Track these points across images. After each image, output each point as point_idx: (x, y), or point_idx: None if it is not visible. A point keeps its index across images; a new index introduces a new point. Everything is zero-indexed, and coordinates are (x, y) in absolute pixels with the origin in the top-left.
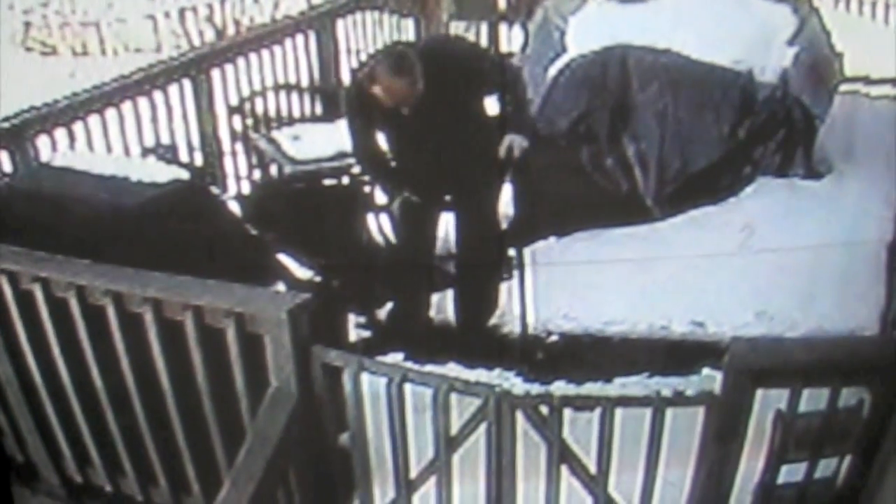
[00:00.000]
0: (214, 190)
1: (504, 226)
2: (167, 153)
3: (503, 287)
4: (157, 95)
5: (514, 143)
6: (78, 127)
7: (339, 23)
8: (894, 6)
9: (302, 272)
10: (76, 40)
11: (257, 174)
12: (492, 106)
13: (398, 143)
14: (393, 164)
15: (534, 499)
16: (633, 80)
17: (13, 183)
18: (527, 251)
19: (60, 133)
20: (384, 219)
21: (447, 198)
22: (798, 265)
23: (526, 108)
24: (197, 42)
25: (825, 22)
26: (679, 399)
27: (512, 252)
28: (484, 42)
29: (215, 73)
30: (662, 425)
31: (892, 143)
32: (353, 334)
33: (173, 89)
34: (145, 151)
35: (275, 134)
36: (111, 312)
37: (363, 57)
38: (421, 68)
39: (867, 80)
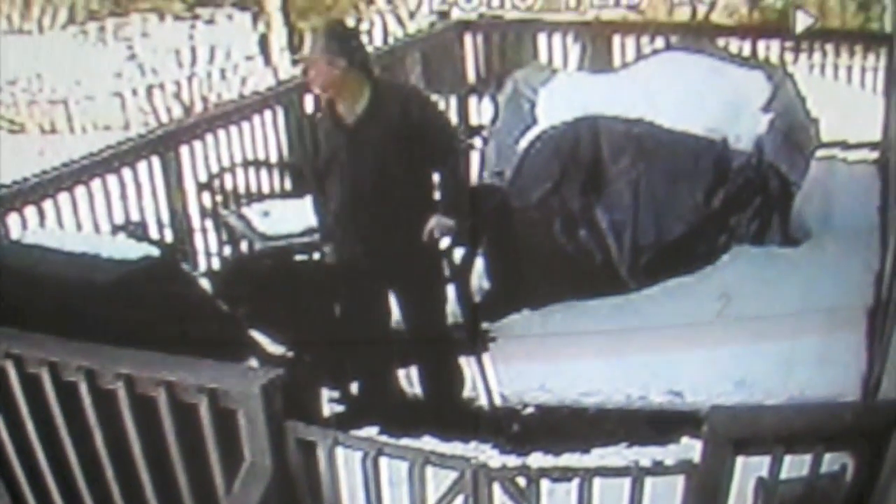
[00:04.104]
0: (185, 266)
1: (478, 299)
2: (137, 230)
3: (484, 359)
4: (126, 173)
5: (436, 225)
6: (48, 204)
7: (307, 98)
8: (871, 70)
9: (274, 348)
10: (44, 118)
11: (228, 250)
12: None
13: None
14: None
15: None
16: (605, 151)
17: None
18: (502, 324)
19: (30, 211)
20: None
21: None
22: (777, 333)
23: (461, 185)
24: (165, 119)
25: (800, 87)
26: (658, 468)
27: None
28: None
29: (184, 150)
30: (642, 495)
31: (871, 208)
32: (327, 409)
33: (142, 166)
34: (115, 228)
35: (244, 210)
36: (84, 389)
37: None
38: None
39: (844, 145)
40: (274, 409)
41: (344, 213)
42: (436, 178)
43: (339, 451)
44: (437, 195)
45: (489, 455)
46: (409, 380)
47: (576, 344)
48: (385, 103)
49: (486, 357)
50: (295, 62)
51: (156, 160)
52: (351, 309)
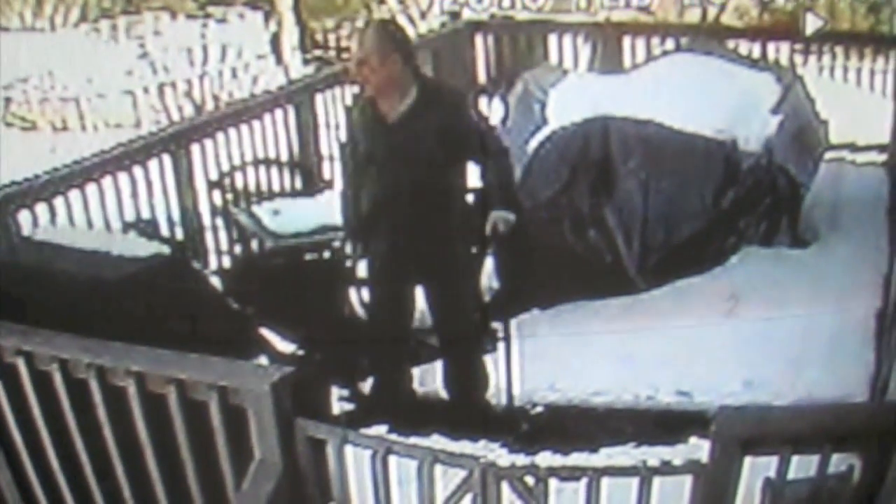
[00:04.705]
0: (196, 265)
1: (487, 298)
2: (148, 228)
3: (489, 359)
4: (137, 170)
5: (498, 219)
6: (59, 202)
7: (318, 97)
8: (880, 73)
9: (284, 345)
10: (56, 116)
11: (238, 249)
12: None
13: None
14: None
15: None
16: (615, 152)
17: None
18: (511, 323)
19: (41, 208)
20: (365, 292)
21: (418, 276)
22: (785, 334)
23: (512, 181)
24: (176, 117)
25: (809, 89)
26: (666, 468)
27: (496, 324)
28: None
29: (195, 148)
30: (649, 495)
31: (879, 210)
32: (337, 407)
33: (153, 164)
34: (126, 226)
35: (255, 208)
36: (94, 386)
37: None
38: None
39: (853, 147)
40: (284, 406)
41: (379, 208)
42: (475, 174)
43: (349, 449)
44: (472, 192)
45: (498, 454)
46: (421, 378)
47: (585, 344)
48: (430, 103)
49: (513, 353)
50: (307, 61)
51: (167, 158)
52: (378, 305)
